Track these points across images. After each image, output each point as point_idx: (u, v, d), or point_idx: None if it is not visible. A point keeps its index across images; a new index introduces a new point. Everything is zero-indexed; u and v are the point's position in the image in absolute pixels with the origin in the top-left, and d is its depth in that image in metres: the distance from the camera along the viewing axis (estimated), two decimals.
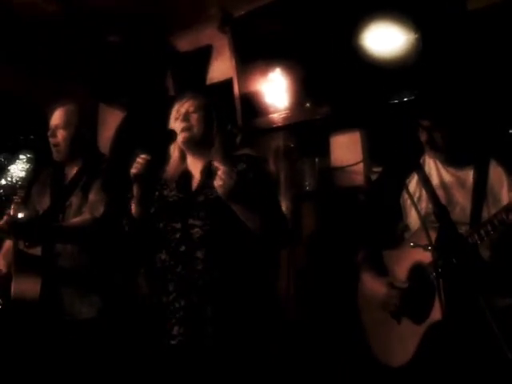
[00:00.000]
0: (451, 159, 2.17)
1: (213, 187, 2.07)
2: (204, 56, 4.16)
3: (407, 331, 2.11)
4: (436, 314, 1.96)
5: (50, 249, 2.57)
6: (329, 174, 3.59)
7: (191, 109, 2.23)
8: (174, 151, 2.31)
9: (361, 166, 3.46)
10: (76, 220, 2.60)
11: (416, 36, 2.94)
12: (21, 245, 2.53)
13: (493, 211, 1.96)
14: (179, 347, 2.07)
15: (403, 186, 2.23)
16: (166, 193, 2.26)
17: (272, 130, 3.78)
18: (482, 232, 1.90)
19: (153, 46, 4.20)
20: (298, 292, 3.38)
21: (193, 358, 2.06)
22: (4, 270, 2.65)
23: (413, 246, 2.23)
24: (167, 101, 4.32)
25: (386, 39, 3.02)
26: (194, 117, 2.21)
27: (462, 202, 2.10)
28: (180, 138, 2.21)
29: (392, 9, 2.98)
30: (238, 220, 2.06)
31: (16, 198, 2.62)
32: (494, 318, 1.55)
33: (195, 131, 2.20)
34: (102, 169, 2.71)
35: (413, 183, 2.24)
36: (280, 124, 3.73)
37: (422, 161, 2.27)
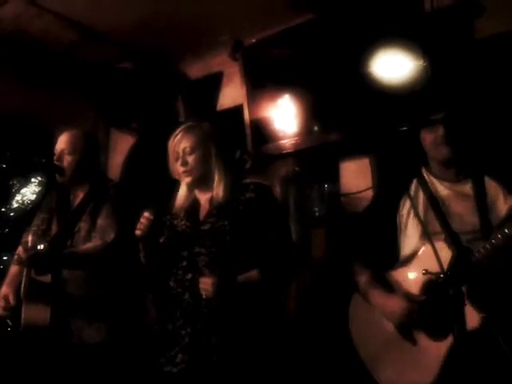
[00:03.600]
0: (446, 174, 2.19)
1: (219, 216, 2.13)
2: (215, 82, 4.21)
3: (427, 351, 2.01)
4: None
5: (59, 275, 2.56)
6: (338, 200, 3.59)
7: (187, 150, 2.25)
8: (183, 184, 2.35)
9: (370, 192, 3.45)
10: (88, 246, 2.60)
11: (424, 63, 2.96)
12: (32, 272, 2.52)
13: (493, 221, 2.00)
14: (180, 375, 2.07)
15: (398, 205, 2.25)
16: (175, 222, 2.32)
17: (281, 156, 3.79)
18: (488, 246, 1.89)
19: (164, 72, 4.26)
20: (306, 317, 3.35)
21: None
22: (12, 300, 2.58)
23: (424, 274, 2.23)
24: (178, 126, 4.39)
25: (394, 66, 3.04)
26: (192, 158, 2.24)
27: (461, 212, 2.10)
28: (184, 181, 2.30)
29: (400, 36, 3.01)
30: (243, 248, 2.10)
31: (34, 229, 2.63)
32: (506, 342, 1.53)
33: (195, 173, 2.26)
34: (110, 194, 2.72)
35: (408, 199, 2.24)
36: (289, 150, 3.74)
37: (415, 180, 2.27)
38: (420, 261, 2.10)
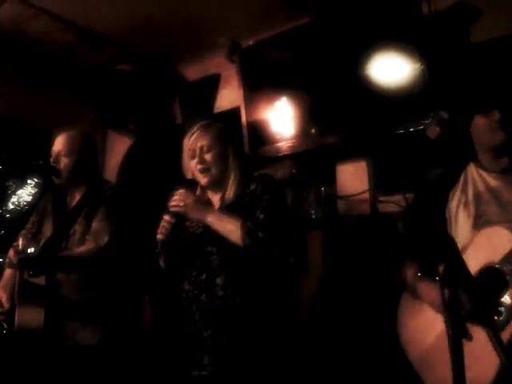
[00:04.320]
0: (496, 164, 2.14)
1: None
2: (212, 85, 4.21)
3: (484, 344, 1.85)
4: None
5: (53, 278, 2.56)
6: (335, 202, 3.59)
7: (205, 148, 2.24)
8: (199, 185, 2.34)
9: (367, 195, 3.46)
10: (81, 249, 2.59)
11: (422, 66, 2.97)
12: (25, 274, 2.52)
13: None
14: (210, 377, 2.07)
15: (447, 197, 2.21)
16: (187, 224, 2.30)
17: (279, 158, 3.79)
18: None
19: (162, 74, 4.27)
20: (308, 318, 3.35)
21: None
22: (6, 303, 2.58)
23: (420, 279, 2.20)
24: (175, 129, 4.39)
25: (391, 69, 3.05)
26: (209, 156, 2.24)
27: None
28: (201, 181, 2.26)
29: (398, 39, 3.02)
30: (270, 250, 2.07)
31: (24, 232, 2.63)
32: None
33: (214, 172, 2.25)
34: (106, 196, 2.71)
35: (457, 192, 2.21)
36: (286, 152, 3.75)
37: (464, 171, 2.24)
38: (473, 250, 2.02)
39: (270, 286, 2.16)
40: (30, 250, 2.45)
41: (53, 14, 3.48)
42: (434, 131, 2.24)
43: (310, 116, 3.60)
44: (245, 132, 3.92)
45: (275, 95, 3.73)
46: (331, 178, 3.64)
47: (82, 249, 2.59)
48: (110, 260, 2.55)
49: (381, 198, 3.40)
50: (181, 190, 2.17)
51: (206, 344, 2.09)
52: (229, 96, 4.13)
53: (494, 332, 1.50)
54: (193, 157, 2.26)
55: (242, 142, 3.88)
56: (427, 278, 2.11)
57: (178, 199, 2.15)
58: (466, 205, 2.15)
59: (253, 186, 2.21)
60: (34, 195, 3.05)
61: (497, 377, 1.81)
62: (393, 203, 3.27)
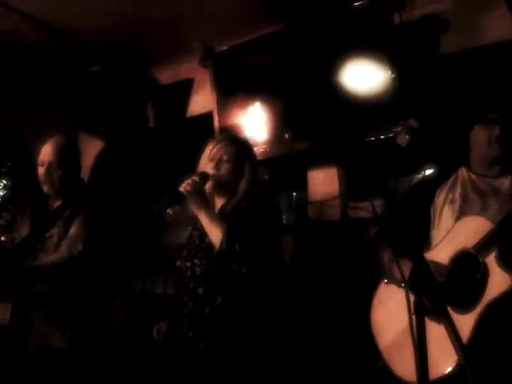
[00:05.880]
0: (488, 171, 2.25)
1: None
2: (185, 89, 4.21)
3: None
4: (492, 291, 1.95)
5: (22, 273, 2.52)
6: (305, 207, 3.63)
7: (225, 157, 2.38)
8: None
9: (337, 201, 3.50)
10: (53, 257, 2.56)
11: (392, 75, 3.02)
12: None
13: None
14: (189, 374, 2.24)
15: (435, 193, 2.30)
16: (193, 233, 2.45)
17: None
18: None
19: (134, 77, 4.25)
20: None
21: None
22: None
23: (386, 283, 2.26)
24: (147, 132, 4.37)
25: (363, 77, 3.10)
26: (225, 167, 2.38)
27: (496, 205, 2.15)
28: (211, 182, 2.39)
29: (369, 48, 3.07)
30: (231, 262, 2.18)
31: (0, 221, 2.59)
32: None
33: (223, 179, 2.38)
34: (86, 203, 2.71)
35: (445, 190, 2.29)
36: (259, 158, 3.76)
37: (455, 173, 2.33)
38: (450, 238, 2.15)
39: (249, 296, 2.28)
40: (3, 239, 2.43)
41: (24, 13, 3.43)
42: (403, 139, 2.30)
43: (283, 122, 3.63)
44: None
45: (248, 100, 3.75)
46: (302, 184, 3.67)
47: (54, 256, 2.56)
48: (83, 268, 2.53)
49: (351, 204, 3.45)
50: (194, 177, 2.29)
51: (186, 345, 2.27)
52: (202, 100, 4.13)
53: (453, 328, 1.55)
54: (211, 160, 2.39)
55: None
56: (405, 259, 2.13)
57: (188, 183, 2.25)
58: (452, 202, 2.24)
59: (245, 205, 2.33)
60: (3, 197, 2.99)
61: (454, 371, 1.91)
62: (363, 209, 3.32)
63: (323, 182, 3.59)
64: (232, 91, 3.84)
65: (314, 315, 3.20)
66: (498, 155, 2.20)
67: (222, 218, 2.30)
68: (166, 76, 4.30)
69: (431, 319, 1.84)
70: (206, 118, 4.00)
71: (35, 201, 2.81)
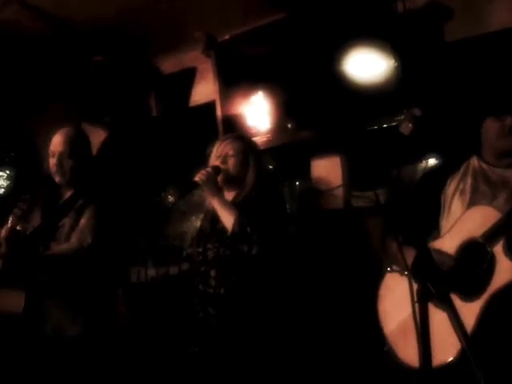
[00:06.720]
0: (499, 162, 2.22)
1: None
2: (187, 78, 4.21)
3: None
4: (498, 280, 1.95)
5: (34, 263, 2.54)
6: (309, 197, 3.63)
7: (230, 152, 2.61)
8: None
9: (340, 190, 3.50)
10: (64, 247, 2.58)
11: (395, 64, 3.01)
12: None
13: None
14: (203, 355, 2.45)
15: (445, 182, 2.27)
16: (204, 221, 2.69)
17: None
18: None
19: (137, 66, 4.24)
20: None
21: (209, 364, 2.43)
22: None
23: (392, 271, 2.27)
24: (150, 121, 4.37)
25: (366, 66, 3.08)
26: (232, 161, 2.59)
27: (504, 195, 2.13)
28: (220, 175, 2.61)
29: (373, 36, 3.05)
30: (243, 244, 2.38)
31: (16, 211, 2.60)
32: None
33: (231, 173, 2.59)
34: (98, 193, 2.71)
35: (456, 179, 2.27)
36: (262, 147, 3.76)
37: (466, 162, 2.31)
38: (458, 227, 2.14)
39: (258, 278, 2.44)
40: (19, 228, 2.45)
41: (24, 2, 3.42)
42: (406, 128, 2.29)
43: (286, 111, 3.63)
44: (220, 126, 3.93)
45: (251, 90, 3.74)
46: (306, 173, 3.67)
47: (65, 246, 2.58)
48: (91, 260, 2.55)
49: (354, 193, 3.45)
50: (208, 169, 2.53)
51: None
52: (204, 90, 4.13)
53: (456, 316, 1.55)
54: (218, 157, 2.62)
55: (217, 135, 3.88)
56: (411, 248, 2.11)
57: (202, 173, 2.48)
58: (462, 192, 2.22)
59: (255, 193, 2.52)
60: (6, 187, 3.00)
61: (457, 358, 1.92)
62: (366, 198, 3.32)
63: (326, 170, 3.59)
64: (235, 80, 3.84)
65: (318, 302, 3.21)
66: (511, 146, 2.16)
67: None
68: (169, 65, 4.30)
69: (436, 306, 1.86)
70: (209, 107, 4.00)
71: (48, 190, 2.81)
